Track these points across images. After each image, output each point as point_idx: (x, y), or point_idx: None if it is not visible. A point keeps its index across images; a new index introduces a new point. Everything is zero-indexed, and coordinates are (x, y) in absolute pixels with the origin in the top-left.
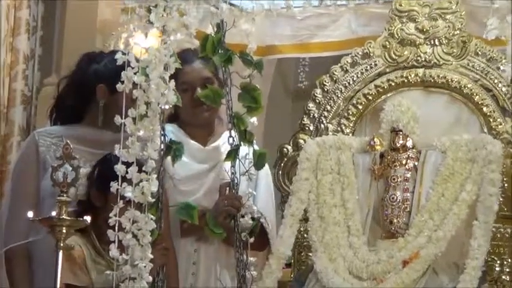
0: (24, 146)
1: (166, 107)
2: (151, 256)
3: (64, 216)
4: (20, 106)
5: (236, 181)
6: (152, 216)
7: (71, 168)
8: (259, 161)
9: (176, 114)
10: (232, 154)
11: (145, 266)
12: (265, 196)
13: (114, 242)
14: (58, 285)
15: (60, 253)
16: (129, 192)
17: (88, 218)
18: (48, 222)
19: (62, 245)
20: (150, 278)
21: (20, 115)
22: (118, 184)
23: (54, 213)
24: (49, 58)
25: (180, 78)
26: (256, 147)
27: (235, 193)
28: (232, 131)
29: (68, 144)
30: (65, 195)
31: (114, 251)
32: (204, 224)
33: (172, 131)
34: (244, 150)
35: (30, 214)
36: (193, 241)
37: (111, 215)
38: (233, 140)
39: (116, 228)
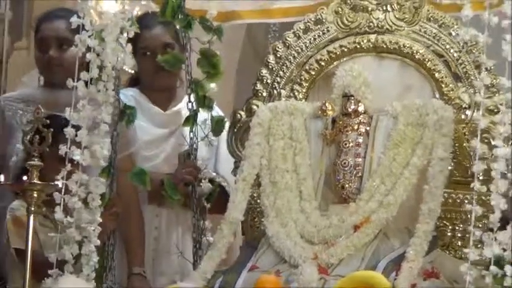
0: None
1: (131, 71)
2: (100, 220)
3: (35, 181)
4: None
5: (194, 146)
6: (103, 180)
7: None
8: (217, 127)
9: (137, 78)
10: (191, 119)
11: (94, 230)
12: (227, 160)
13: (59, 204)
14: (29, 250)
15: (32, 217)
16: (77, 155)
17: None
18: (20, 187)
19: (33, 209)
20: (99, 242)
21: None
22: (67, 147)
23: (25, 178)
24: (19, 22)
25: (140, 43)
26: (220, 113)
27: (194, 158)
28: (191, 96)
29: (39, 109)
30: (36, 159)
31: (59, 213)
32: (162, 189)
33: (133, 95)
34: (204, 116)
35: (1, 178)
36: (155, 206)
37: (58, 177)
38: (192, 106)
39: (63, 191)
